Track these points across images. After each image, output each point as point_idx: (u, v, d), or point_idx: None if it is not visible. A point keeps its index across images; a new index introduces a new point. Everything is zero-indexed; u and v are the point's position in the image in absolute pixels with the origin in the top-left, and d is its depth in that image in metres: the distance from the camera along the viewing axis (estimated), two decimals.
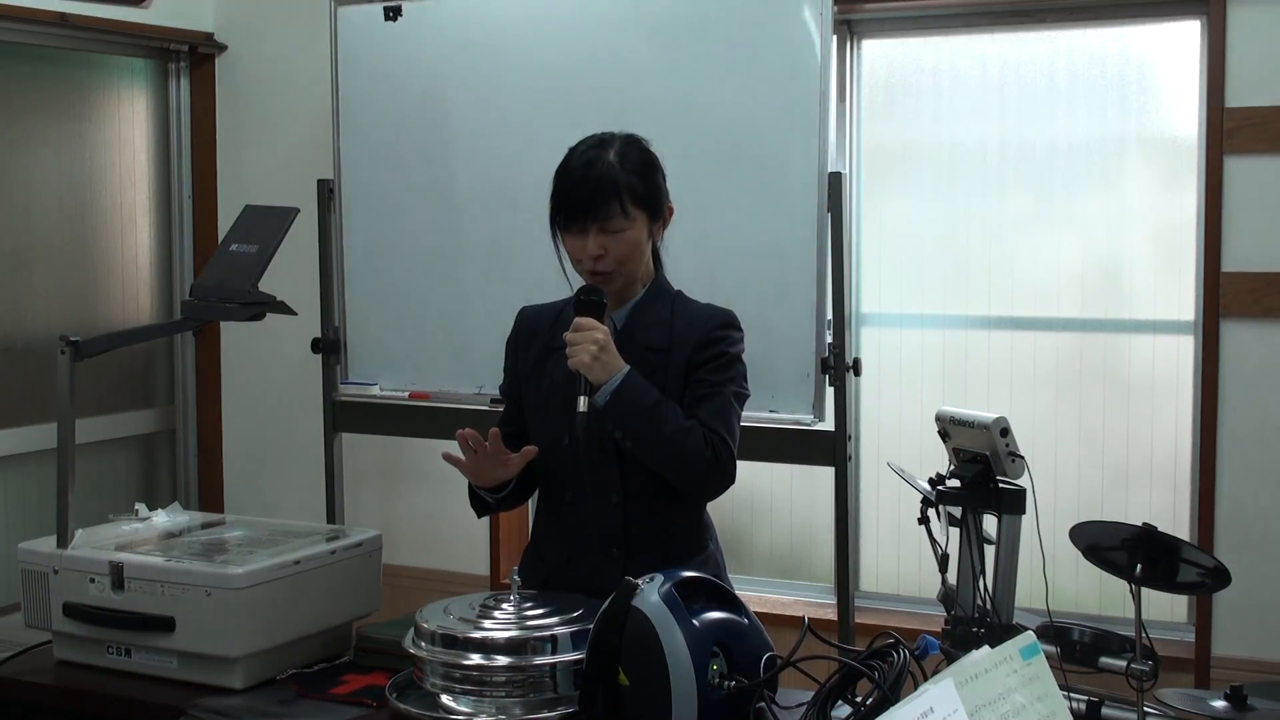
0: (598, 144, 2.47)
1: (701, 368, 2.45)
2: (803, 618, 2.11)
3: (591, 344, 2.32)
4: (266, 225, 2.79)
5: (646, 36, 3.82)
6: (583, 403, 2.33)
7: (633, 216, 2.42)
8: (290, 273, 3.48)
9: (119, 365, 4.92)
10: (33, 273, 4.71)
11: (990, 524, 2.79)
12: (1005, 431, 2.72)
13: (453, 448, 2.41)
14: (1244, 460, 3.85)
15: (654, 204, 2.47)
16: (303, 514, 4.63)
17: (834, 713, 1.96)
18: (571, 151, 2.49)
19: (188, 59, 5.08)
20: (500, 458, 2.39)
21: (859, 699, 1.93)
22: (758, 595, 4.41)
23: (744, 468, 2.48)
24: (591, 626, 2.08)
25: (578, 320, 2.37)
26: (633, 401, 2.34)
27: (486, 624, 2.18)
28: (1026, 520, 2.78)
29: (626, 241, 2.43)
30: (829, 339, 3.64)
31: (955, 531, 2.80)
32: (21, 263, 4.68)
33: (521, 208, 3.93)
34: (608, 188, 2.40)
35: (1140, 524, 2.59)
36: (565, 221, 2.44)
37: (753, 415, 3.09)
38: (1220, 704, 2.56)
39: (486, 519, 4.43)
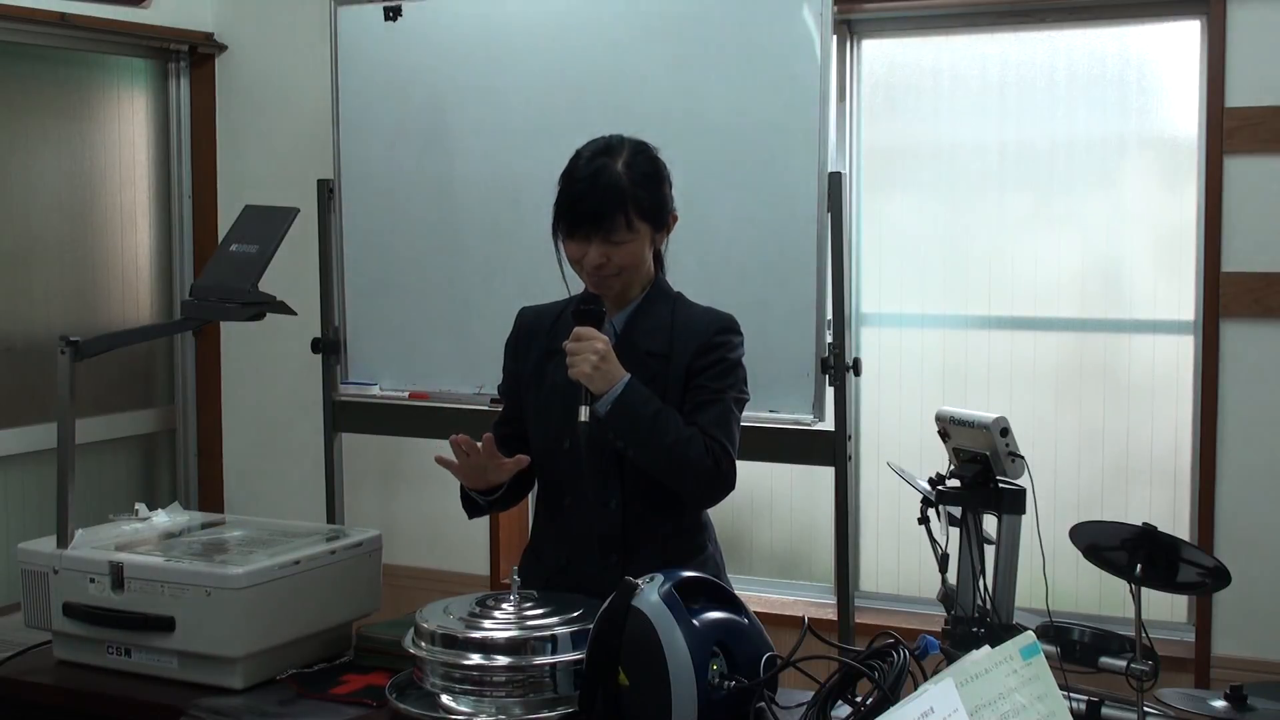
0: (605, 150, 2.42)
1: (702, 374, 2.43)
2: (803, 618, 2.11)
3: (592, 354, 2.31)
4: (266, 225, 2.79)
5: (646, 37, 3.82)
6: (584, 412, 2.32)
7: (637, 229, 2.40)
8: (290, 273, 3.48)
9: (119, 365, 4.92)
10: (33, 273, 4.71)
11: (990, 524, 2.80)
12: (1005, 431, 2.72)
13: (448, 450, 2.41)
14: (1244, 460, 3.85)
15: (659, 216, 2.45)
16: (303, 514, 4.62)
17: (834, 713, 1.95)
18: (578, 155, 2.44)
19: (188, 59, 5.08)
20: (493, 461, 2.39)
21: (859, 699, 1.93)
22: (758, 595, 4.41)
23: (744, 468, 2.48)
24: (591, 626, 2.08)
25: (577, 330, 2.36)
26: (634, 411, 2.33)
27: (486, 624, 2.18)
28: (1026, 520, 2.78)
29: (629, 253, 2.41)
30: (829, 339, 3.64)
31: (955, 531, 2.80)
32: (21, 263, 4.67)
33: (521, 207, 3.93)
34: (614, 202, 2.36)
35: (1140, 524, 2.59)
36: (568, 230, 2.42)
37: (753, 415, 3.08)
38: (1220, 704, 2.56)
39: (485, 519, 4.45)
